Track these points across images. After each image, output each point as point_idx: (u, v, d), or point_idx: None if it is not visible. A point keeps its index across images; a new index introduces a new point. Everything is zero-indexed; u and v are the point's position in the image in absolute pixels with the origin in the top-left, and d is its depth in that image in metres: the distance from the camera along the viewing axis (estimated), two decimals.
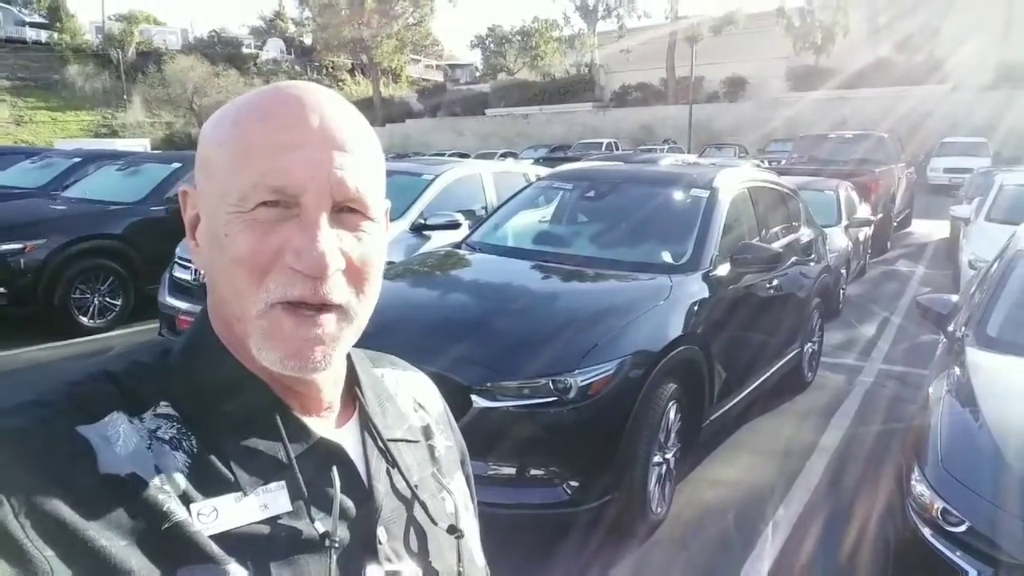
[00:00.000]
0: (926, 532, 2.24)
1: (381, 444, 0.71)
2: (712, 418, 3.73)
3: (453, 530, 0.72)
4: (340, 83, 53.21)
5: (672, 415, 3.32)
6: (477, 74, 57.20)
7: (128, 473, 0.55)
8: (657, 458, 3.22)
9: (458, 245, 4.53)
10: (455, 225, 5.58)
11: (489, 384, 2.86)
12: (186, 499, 0.56)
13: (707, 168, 4.92)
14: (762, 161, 19.62)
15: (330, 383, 0.68)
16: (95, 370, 0.62)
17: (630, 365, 3.00)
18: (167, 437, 0.59)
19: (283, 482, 0.61)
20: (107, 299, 6.54)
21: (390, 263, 4.92)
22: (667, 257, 3.90)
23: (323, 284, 0.58)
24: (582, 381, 2.85)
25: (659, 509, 3.28)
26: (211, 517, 0.57)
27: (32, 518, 0.50)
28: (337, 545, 0.61)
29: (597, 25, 41.13)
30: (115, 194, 7.13)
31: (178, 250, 5.55)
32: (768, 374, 4.44)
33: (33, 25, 51.70)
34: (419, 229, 5.80)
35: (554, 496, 2.87)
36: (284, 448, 0.62)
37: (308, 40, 54.45)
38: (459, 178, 6.56)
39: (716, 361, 3.61)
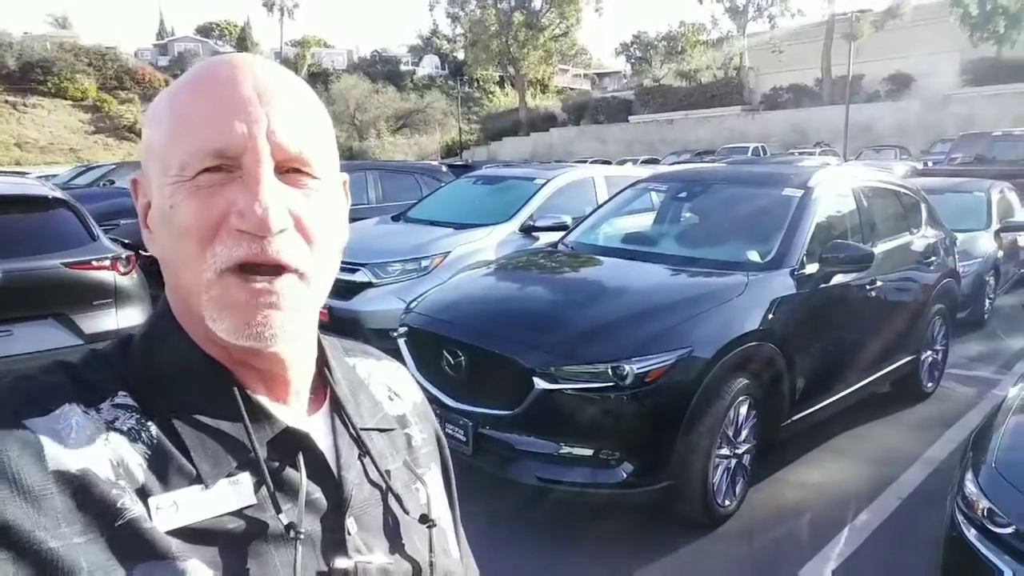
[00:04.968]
0: (970, 533, 2.18)
1: (353, 432, 0.68)
2: (794, 419, 3.68)
3: (425, 519, 0.70)
4: (489, 95, 55.11)
5: (743, 411, 3.34)
6: (624, 81, 57.00)
7: (80, 468, 0.52)
8: (724, 451, 3.26)
9: (554, 245, 4.76)
10: (562, 227, 5.79)
11: (552, 368, 3.06)
12: (144, 493, 0.54)
13: (806, 168, 4.81)
14: (924, 163, 18.19)
15: (297, 363, 0.65)
16: (50, 362, 0.60)
17: (691, 356, 3.09)
18: (125, 428, 0.56)
19: (247, 473, 0.59)
20: None
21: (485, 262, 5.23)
22: (752, 256, 3.90)
23: (271, 243, 0.56)
24: (638, 369, 2.97)
25: (726, 503, 3.31)
26: (171, 511, 0.54)
27: None
28: (303, 536, 0.58)
29: (747, 26, 39.70)
30: None
31: None
32: (868, 380, 4.27)
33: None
34: (528, 231, 6.10)
35: (610, 477, 3.02)
36: (248, 438, 0.60)
37: (461, 55, 56.85)
38: (571, 182, 6.81)
39: (797, 361, 3.57)
